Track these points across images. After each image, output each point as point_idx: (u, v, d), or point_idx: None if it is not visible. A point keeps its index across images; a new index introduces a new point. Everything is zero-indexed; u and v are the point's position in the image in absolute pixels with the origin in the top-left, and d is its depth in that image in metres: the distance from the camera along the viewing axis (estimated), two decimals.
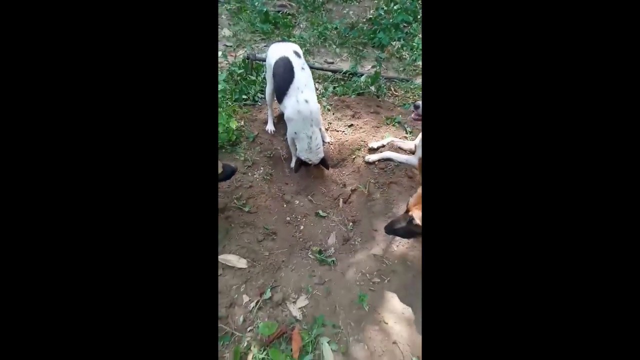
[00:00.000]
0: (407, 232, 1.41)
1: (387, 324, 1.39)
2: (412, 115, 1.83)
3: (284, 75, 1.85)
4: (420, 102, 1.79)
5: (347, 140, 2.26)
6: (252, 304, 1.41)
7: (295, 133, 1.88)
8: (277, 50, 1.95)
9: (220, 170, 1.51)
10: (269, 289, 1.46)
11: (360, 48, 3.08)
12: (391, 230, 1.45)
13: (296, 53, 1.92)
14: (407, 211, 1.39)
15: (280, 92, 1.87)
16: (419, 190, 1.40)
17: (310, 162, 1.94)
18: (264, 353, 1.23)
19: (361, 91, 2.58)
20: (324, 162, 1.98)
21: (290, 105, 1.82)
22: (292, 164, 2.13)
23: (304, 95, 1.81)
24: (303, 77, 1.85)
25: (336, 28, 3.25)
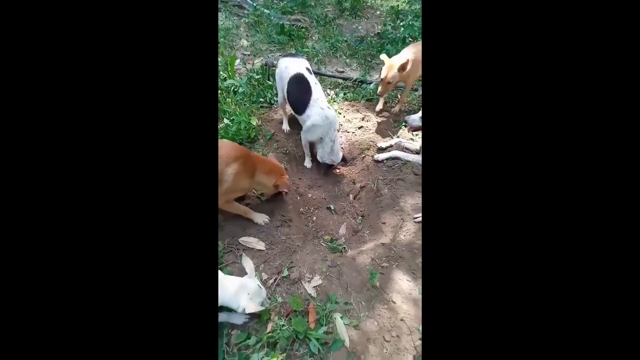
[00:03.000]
0: None
1: (395, 303, 1.49)
2: (407, 128, 2.16)
3: (302, 91, 2.02)
4: (407, 117, 2.06)
5: (357, 141, 2.42)
6: (271, 281, 1.52)
7: (321, 138, 2.06)
8: (290, 66, 2.08)
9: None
10: (286, 269, 1.58)
11: (369, 59, 3.29)
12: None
13: (308, 69, 2.11)
14: None
15: (300, 105, 2.04)
16: None
17: (335, 163, 2.14)
18: (284, 321, 1.34)
19: (370, 97, 2.76)
20: (344, 159, 2.19)
21: (315, 113, 1.99)
22: (306, 163, 2.29)
23: (324, 103, 2.01)
24: (318, 91, 2.05)
25: (346, 41, 3.48)
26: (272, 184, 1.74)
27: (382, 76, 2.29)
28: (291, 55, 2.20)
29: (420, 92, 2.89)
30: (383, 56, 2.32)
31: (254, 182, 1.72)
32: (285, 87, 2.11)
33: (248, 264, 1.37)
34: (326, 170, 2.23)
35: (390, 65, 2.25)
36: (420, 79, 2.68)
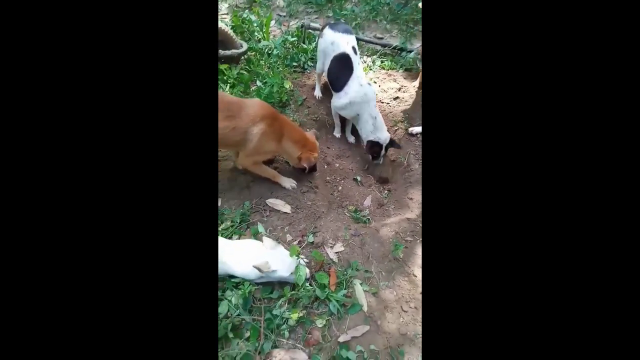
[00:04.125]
0: None
1: (416, 276, 1.49)
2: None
3: (344, 71, 1.94)
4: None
5: (390, 112, 2.32)
6: (295, 243, 1.57)
7: (358, 115, 1.97)
8: (337, 43, 1.96)
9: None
10: (311, 234, 1.61)
11: (412, 25, 3.06)
12: None
13: (354, 49, 1.98)
14: None
15: (339, 83, 1.96)
16: None
17: (381, 142, 1.95)
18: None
19: (409, 67, 2.60)
20: (393, 142, 2.00)
21: (353, 90, 1.91)
22: (335, 132, 2.24)
23: (363, 80, 1.93)
24: (360, 70, 1.96)
25: (388, 4, 3.24)
26: (297, 155, 1.69)
27: None
28: (337, 26, 2.03)
29: None
30: None
31: (281, 147, 1.68)
32: (328, 63, 2.03)
33: (268, 242, 1.38)
34: (372, 159, 2.02)
35: None
36: None
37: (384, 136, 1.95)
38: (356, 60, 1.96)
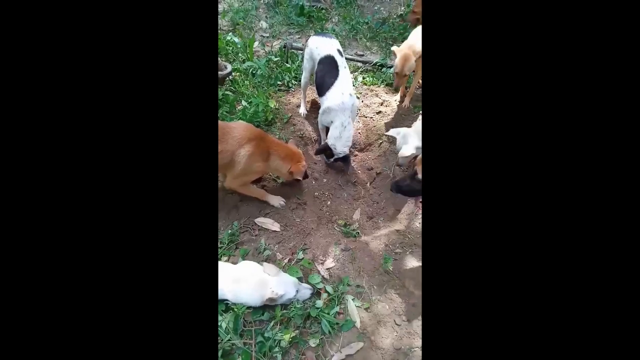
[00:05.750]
0: (411, 189, 1.47)
1: (407, 288, 1.50)
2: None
3: (330, 73, 1.98)
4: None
5: (374, 126, 2.37)
6: (285, 261, 1.56)
7: (332, 121, 2.01)
8: (321, 47, 2.03)
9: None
10: (301, 252, 1.60)
11: (390, 42, 3.17)
12: (397, 188, 1.52)
13: (339, 52, 2.05)
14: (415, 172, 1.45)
15: (324, 87, 2.00)
16: None
17: (335, 151, 2.00)
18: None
19: (390, 82, 2.68)
20: (346, 159, 2.04)
21: (333, 97, 1.95)
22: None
23: (347, 89, 1.96)
24: (346, 75, 2.00)
25: (367, 23, 3.37)
26: (287, 170, 1.72)
27: (397, 70, 2.15)
28: (322, 34, 2.14)
29: None
30: (394, 48, 2.19)
31: (269, 166, 1.71)
32: (315, 67, 2.08)
33: (270, 269, 1.36)
34: (320, 151, 2.08)
35: (405, 56, 2.10)
36: None
37: (340, 149, 1.97)
38: (342, 62, 2.01)
